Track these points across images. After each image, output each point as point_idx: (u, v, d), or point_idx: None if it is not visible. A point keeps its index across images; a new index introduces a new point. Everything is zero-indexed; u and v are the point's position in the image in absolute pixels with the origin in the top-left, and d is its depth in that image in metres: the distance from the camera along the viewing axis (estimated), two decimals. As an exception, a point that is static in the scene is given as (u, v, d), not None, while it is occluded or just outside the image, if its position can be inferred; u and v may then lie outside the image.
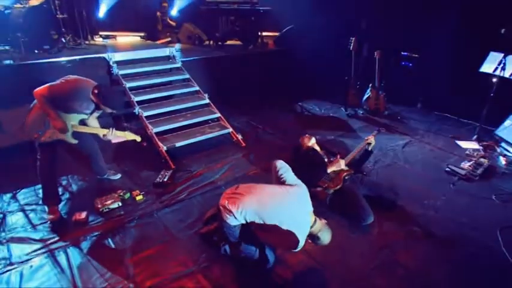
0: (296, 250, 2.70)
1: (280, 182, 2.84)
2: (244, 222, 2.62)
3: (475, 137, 5.39)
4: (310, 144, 4.14)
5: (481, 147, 5.09)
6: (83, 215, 3.51)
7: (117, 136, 3.68)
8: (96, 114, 3.72)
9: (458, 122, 6.18)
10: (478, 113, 5.43)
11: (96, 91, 3.39)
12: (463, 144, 5.24)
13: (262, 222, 2.61)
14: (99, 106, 3.48)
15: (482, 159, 4.60)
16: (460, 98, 6.17)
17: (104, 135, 3.62)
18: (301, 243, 2.67)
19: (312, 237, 2.77)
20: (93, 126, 3.71)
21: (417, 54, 7.04)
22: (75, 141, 3.58)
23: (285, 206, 2.64)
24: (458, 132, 5.73)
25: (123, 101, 5.30)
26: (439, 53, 6.64)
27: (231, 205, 2.54)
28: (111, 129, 3.60)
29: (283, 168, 2.90)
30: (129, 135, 3.80)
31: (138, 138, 3.88)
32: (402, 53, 7.29)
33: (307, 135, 4.26)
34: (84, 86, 3.41)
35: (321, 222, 2.79)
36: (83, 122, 3.64)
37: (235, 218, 2.55)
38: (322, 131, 5.75)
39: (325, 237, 2.80)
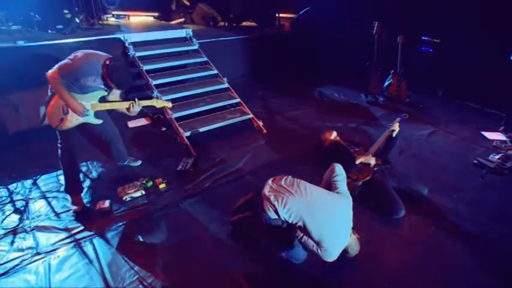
0: (329, 261, 2.63)
1: (331, 186, 2.75)
2: (283, 220, 2.53)
3: (501, 128, 5.24)
4: (332, 138, 4.09)
5: (508, 139, 4.94)
6: (106, 203, 3.44)
7: (144, 106, 3.47)
8: (117, 91, 3.48)
9: (482, 112, 5.99)
10: (504, 102, 5.27)
11: (107, 62, 3.17)
12: (489, 135, 5.09)
13: (302, 227, 2.52)
14: (107, 81, 3.22)
15: (511, 152, 4.47)
16: (484, 86, 5.96)
17: (128, 109, 3.40)
18: (335, 256, 2.60)
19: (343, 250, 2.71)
20: (115, 100, 3.51)
21: (439, 39, 6.81)
22: (99, 122, 3.44)
23: (331, 217, 2.54)
24: (483, 122, 5.56)
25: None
26: (463, 38, 6.36)
27: (277, 201, 2.46)
28: (136, 100, 3.37)
29: (341, 175, 2.81)
30: (157, 103, 3.65)
31: (169, 105, 3.72)
32: (423, 37, 7.06)
33: (328, 130, 4.21)
34: (95, 59, 3.18)
35: (354, 236, 2.74)
36: (103, 99, 3.42)
37: (278, 214, 2.46)
38: (344, 118, 5.61)
39: (354, 250, 2.75)
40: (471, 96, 6.28)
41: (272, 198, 2.52)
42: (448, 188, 3.87)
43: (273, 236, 2.81)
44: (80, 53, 3.16)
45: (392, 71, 6.30)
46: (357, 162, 3.74)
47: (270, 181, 2.74)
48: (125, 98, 3.49)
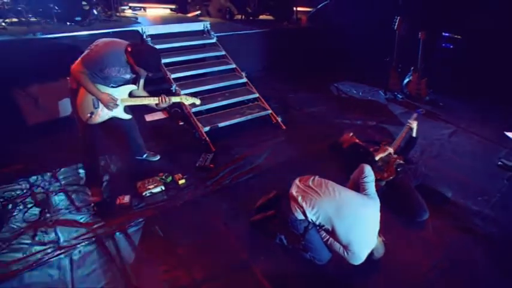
0: (355, 264, 2.59)
1: (359, 188, 2.69)
2: (310, 221, 2.48)
3: (526, 128, 5.10)
4: (350, 139, 4.11)
5: (534, 140, 4.81)
6: (126, 198, 3.41)
7: (172, 102, 3.47)
8: (142, 82, 3.47)
9: (504, 111, 5.83)
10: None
11: (129, 49, 3.08)
12: (514, 136, 4.96)
13: (330, 230, 2.47)
14: (134, 67, 3.15)
15: (537, 154, 4.35)
16: (507, 84, 5.81)
17: (156, 104, 3.41)
18: (362, 259, 2.56)
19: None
20: (143, 95, 3.49)
21: (460, 35, 6.63)
22: (129, 117, 3.42)
23: (360, 220, 2.50)
24: (506, 122, 5.41)
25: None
26: (485, 34, 6.17)
27: (305, 202, 2.40)
28: (162, 96, 3.39)
29: (369, 176, 2.74)
30: (186, 99, 3.63)
31: (198, 101, 3.71)
32: (443, 33, 6.88)
33: (346, 132, 4.30)
34: (117, 48, 3.09)
35: (380, 239, 2.69)
36: (132, 94, 3.43)
37: (305, 215, 2.41)
38: (362, 116, 5.52)
39: (379, 253, 2.70)
40: (494, 94, 6.11)
41: (300, 199, 2.47)
42: (472, 190, 3.77)
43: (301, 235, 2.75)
44: (100, 42, 3.08)
45: (412, 68, 6.16)
46: (376, 158, 3.68)
47: (296, 181, 2.69)
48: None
